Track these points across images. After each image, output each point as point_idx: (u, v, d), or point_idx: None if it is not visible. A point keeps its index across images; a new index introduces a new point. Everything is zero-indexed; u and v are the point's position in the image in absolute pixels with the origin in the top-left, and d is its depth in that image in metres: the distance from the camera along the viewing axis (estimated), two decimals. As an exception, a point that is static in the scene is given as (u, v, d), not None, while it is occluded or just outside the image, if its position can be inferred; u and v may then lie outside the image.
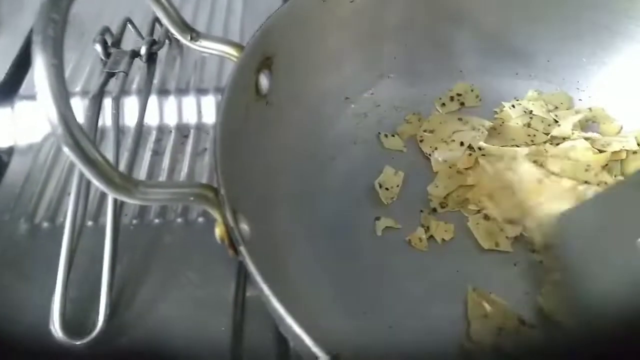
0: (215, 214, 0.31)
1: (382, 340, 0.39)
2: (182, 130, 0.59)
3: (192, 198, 0.30)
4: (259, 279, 0.27)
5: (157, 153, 0.57)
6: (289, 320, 0.26)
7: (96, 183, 0.26)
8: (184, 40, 0.40)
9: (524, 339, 0.38)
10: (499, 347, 0.38)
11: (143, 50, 0.56)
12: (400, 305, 0.41)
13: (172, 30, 0.39)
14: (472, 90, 0.52)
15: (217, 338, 0.43)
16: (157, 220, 0.52)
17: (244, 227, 0.32)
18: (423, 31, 0.52)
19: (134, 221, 0.51)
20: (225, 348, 0.43)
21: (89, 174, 0.26)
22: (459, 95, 0.52)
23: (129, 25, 0.60)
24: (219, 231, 0.32)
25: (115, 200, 0.47)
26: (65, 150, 0.25)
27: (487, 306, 0.39)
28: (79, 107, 0.57)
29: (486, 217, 0.45)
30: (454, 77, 0.53)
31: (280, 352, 0.42)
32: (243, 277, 0.46)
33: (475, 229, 0.44)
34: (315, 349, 0.26)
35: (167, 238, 0.50)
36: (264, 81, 0.42)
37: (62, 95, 0.23)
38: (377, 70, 0.52)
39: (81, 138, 0.24)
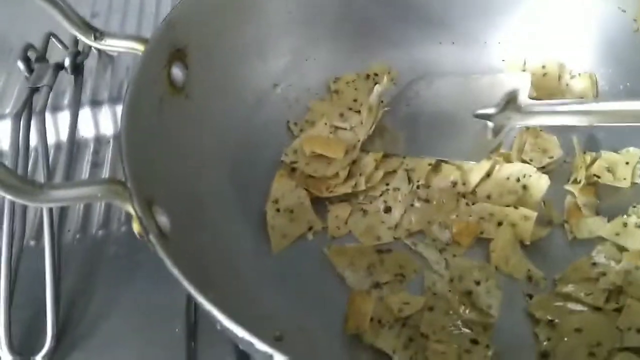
0: (129, 209, 0.31)
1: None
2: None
3: (99, 194, 0.29)
4: (173, 268, 0.27)
5: (96, 165, 0.56)
6: (212, 309, 0.26)
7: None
8: (88, 41, 0.39)
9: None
10: None
11: (67, 62, 0.55)
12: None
13: (74, 32, 0.38)
14: (389, 72, 0.52)
15: (171, 344, 0.42)
16: (100, 232, 0.51)
17: (162, 219, 0.31)
18: (344, 9, 0.51)
19: (77, 235, 0.50)
20: (180, 353, 0.42)
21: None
22: (375, 75, 0.52)
23: (54, 40, 0.59)
24: (135, 226, 0.31)
25: (50, 216, 0.46)
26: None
27: None
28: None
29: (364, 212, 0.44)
30: (379, 51, 0.53)
31: (237, 354, 0.41)
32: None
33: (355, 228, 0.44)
34: (244, 334, 0.25)
35: (112, 249, 0.49)
36: (178, 74, 0.41)
37: None
38: (303, 53, 0.52)
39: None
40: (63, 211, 0.51)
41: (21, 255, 0.45)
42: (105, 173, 0.55)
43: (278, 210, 0.44)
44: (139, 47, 0.39)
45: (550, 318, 0.37)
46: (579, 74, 0.48)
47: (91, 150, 0.57)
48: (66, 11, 0.38)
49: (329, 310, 0.40)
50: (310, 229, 0.44)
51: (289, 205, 0.44)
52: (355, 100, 0.51)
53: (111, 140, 0.58)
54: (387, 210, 0.44)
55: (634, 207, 0.41)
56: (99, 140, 0.58)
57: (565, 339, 0.36)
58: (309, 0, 0.50)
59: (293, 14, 0.49)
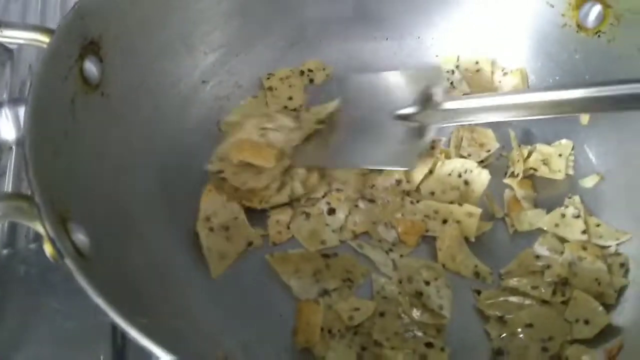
0: (37, 227, 0.26)
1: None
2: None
3: (0, 213, 0.24)
4: (95, 297, 0.23)
5: (-3, 174, 0.50)
6: (144, 340, 0.22)
7: None
8: (-19, 33, 0.33)
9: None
10: None
11: (-44, 58, 0.48)
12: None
13: (-38, 22, 0.33)
14: (324, 69, 0.50)
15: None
16: (5, 251, 0.44)
17: (80, 238, 0.27)
18: (277, 3, 0.48)
19: (-23, 257, 0.44)
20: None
21: None
22: (310, 71, 0.50)
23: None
24: (48, 248, 0.26)
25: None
26: None
27: None
28: None
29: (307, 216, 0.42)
30: (313, 47, 0.50)
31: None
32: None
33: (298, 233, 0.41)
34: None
35: (21, 268, 0.44)
36: (91, 69, 0.36)
37: None
38: (234, 48, 0.48)
39: None
40: (-43, 228, 0.44)
41: None
42: (8, 185, 0.49)
43: (211, 229, 0.40)
44: (44, 39, 0.34)
45: (499, 314, 0.37)
46: (511, 71, 0.48)
47: (-10, 158, 0.51)
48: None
49: (276, 324, 0.37)
50: (250, 244, 0.41)
51: (223, 223, 0.40)
52: (290, 99, 0.48)
53: (13, 147, 0.52)
54: (331, 212, 0.42)
55: (569, 197, 0.42)
56: (-1, 146, 0.51)
57: (518, 335, 0.36)
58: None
59: (222, 5, 0.46)
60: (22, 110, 0.52)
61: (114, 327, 0.40)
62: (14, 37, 0.35)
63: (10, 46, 0.51)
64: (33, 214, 0.26)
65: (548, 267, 0.38)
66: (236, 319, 0.37)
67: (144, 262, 0.34)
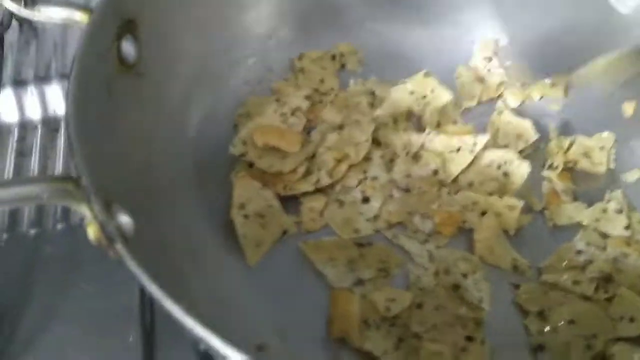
0: (83, 210, 0.25)
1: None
2: (51, 124, 0.51)
3: (46, 195, 0.24)
4: (145, 279, 0.22)
5: (22, 154, 0.49)
6: (188, 320, 0.22)
7: None
8: (16, 9, 0.32)
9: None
10: None
11: (-17, 34, 0.47)
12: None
13: (0, -1, 0.32)
14: (355, 53, 0.48)
15: (125, 354, 0.38)
16: (32, 231, 0.44)
17: (125, 220, 0.26)
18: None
19: (4, 235, 0.44)
20: (136, 361, 0.37)
21: None
22: (341, 55, 0.48)
23: (-37, 8, 0.50)
24: (91, 231, 0.26)
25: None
26: None
27: None
28: None
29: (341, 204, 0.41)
30: (346, 31, 0.49)
31: (199, 356, 0.37)
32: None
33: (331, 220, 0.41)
34: (227, 349, 0.21)
35: (48, 249, 0.43)
36: (128, 49, 0.35)
37: None
38: (265, 30, 0.47)
39: None
40: (-17, 207, 0.44)
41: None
42: (34, 165, 0.48)
43: (246, 216, 0.39)
44: (81, 18, 0.33)
45: (539, 309, 0.36)
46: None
47: (16, 137, 0.50)
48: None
49: (310, 313, 0.37)
50: (284, 232, 0.40)
51: (258, 210, 0.39)
52: (322, 81, 0.47)
53: (39, 126, 0.51)
54: (365, 200, 0.41)
55: (612, 192, 0.41)
56: (24, 125, 0.51)
57: (559, 331, 0.35)
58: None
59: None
60: (48, 89, 0.52)
61: (143, 309, 0.40)
62: (51, 15, 0.34)
63: (45, 23, 0.50)
64: (79, 197, 0.25)
65: (590, 262, 0.38)
66: (272, 307, 0.36)
67: (181, 246, 0.34)
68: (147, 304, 0.40)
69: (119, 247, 0.24)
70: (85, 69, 0.30)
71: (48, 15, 0.34)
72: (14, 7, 0.33)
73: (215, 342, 0.22)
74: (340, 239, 0.40)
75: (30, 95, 0.52)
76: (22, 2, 0.33)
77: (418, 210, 0.41)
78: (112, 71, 0.33)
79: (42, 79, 0.52)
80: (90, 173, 0.25)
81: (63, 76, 0.52)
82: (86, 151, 0.26)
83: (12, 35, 0.54)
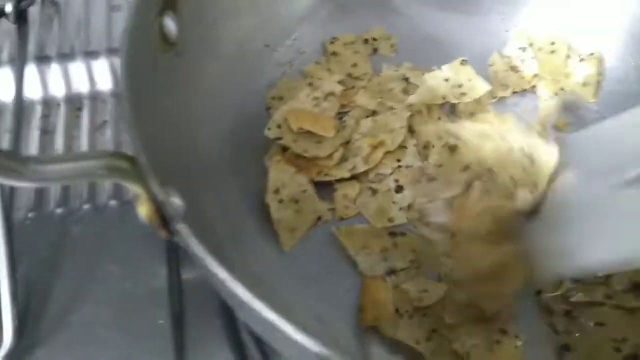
0: (137, 189, 0.25)
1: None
2: (74, 102, 0.50)
3: (101, 172, 0.24)
4: (210, 261, 0.22)
5: (46, 132, 0.49)
6: (270, 316, 0.21)
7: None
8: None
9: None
10: None
11: (9, 8, 0.46)
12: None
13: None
14: (388, 39, 0.48)
15: (154, 338, 0.37)
16: (59, 210, 0.44)
17: (176, 201, 0.26)
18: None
19: (30, 214, 0.43)
20: (166, 344, 0.37)
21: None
22: (374, 39, 0.48)
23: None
24: (144, 209, 0.25)
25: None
26: None
27: None
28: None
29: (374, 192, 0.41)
30: (378, 16, 0.48)
31: (230, 339, 0.37)
32: (175, 259, 0.40)
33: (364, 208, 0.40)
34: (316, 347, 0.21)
35: (75, 229, 0.43)
36: (170, 25, 0.35)
37: None
38: (297, 11, 0.47)
39: None
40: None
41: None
42: (58, 143, 0.48)
43: (281, 201, 0.39)
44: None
45: (567, 308, 0.36)
46: (587, 56, 0.46)
47: (39, 114, 0.50)
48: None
49: (342, 299, 0.37)
50: (319, 219, 0.40)
51: (292, 195, 0.39)
52: (354, 65, 0.46)
53: (62, 104, 0.50)
54: (399, 189, 0.41)
55: None
56: (48, 103, 0.50)
57: (588, 333, 0.35)
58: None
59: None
60: (71, 67, 0.51)
61: (171, 291, 0.40)
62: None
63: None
64: (134, 176, 0.25)
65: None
66: (307, 291, 0.36)
67: (223, 230, 0.34)
68: (176, 286, 0.40)
69: (181, 226, 0.23)
70: (135, 44, 0.30)
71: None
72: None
73: (287, 328, 0.21)
74: (373, 227, 0.39)
75: (54, 72, 0.51)
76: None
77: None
78: (156, 48, 0.33)
79: (64, 56, 0.51)
80: (147, 151, 0.25)
81: (87, 54, 0.52)
82: (141, 128, 0.26)
83: (34, 10, 0.53)
